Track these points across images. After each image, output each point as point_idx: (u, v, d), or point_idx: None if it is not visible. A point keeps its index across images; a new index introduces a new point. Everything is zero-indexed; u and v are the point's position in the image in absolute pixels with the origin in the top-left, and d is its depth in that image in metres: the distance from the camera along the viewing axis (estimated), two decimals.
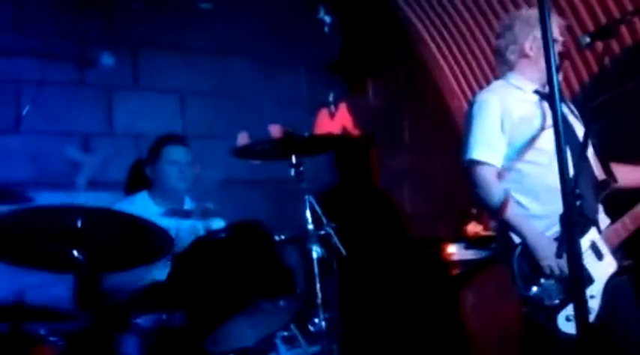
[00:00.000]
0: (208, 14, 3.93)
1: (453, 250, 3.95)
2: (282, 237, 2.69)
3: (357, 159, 4.45)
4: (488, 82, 4.35)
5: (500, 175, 2.62)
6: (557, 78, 2.65)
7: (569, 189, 1.60)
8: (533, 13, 2.62)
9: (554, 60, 1.61)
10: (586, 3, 3.52)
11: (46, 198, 3.37)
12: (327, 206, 2.76)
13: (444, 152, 4.65)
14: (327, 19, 4.30)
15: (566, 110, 2.70)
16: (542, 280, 2.47)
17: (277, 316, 2.54)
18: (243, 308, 2.41)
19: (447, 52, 4.53)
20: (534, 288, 2.47)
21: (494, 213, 2.60)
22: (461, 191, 4.33)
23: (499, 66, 2.80)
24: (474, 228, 4.23)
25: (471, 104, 2.72)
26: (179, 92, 3.99)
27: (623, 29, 3.32)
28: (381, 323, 4.00)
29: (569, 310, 2.41)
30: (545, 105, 2.60)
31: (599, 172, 2.66)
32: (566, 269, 2.39)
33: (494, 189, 2.56)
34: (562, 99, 2.71)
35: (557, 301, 2.45)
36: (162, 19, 3.83)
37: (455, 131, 4.65)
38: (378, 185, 4.55)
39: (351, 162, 4.44)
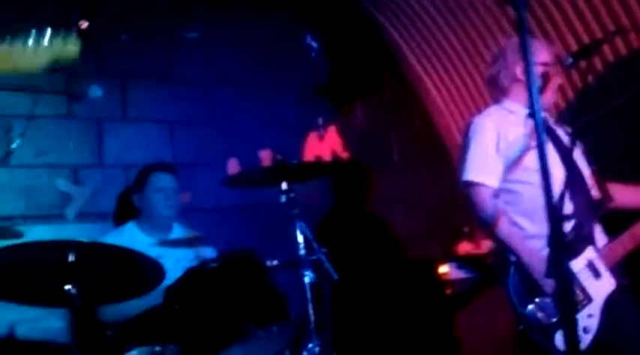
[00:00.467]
0: (195, 44, 3.98)
1: (446, 270, 3.96)
2: (274, 263, 2.70)
3: (352, 182, 4.48)
4: (474, 102, 4.42)
5: (496, 195, 2.66)
6: (551, 99, 2.75)
7: (555, 211, 1.63)
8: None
9: (536, 82, 1.65)
10: (569, 24, 3.59)
11: (36, 231, 3.38)
12: (321, 230, 2.78)
13: (433, 172, 4.70)
14: (314, 44, 4.35)
15: (560, 131, 2.75)
16: (538, 298, 2.48)
17: (271, 343, 2.54)
18: (237, 337, 2.41)
19: (432, 73, 4.59)
20: (530, 306, 2.48)
21: (491, 233, 2.64)
22: (451, 210, 4.38)
23: (494, 92, 2.86)
24: (465, 247, 4.25)
25: (467, 128, 2.78)
26: (168, 122, 4.01)
27: (605, 47, 3.38)
28: (375, 346, 3.99)
29: None
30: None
31: (595, 192, 2.69)
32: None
33: (490, 209, 2.60)
34: (557, 122, 2.78)
35: (554, 319, 2.45)
36: (149, 50, 3.87)
37: (443, 150, 4.70)
38: (371, 208, 4.57)
39: (345, 186, 4.46)
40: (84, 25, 3.63)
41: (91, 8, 3.59)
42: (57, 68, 1.91)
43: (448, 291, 3.94)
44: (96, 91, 3.51)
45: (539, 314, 2.46)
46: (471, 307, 3.85)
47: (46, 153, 3.60)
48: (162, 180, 3.23)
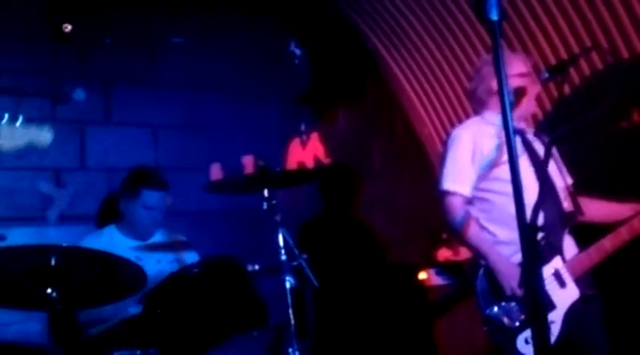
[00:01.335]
0: (179, 49, 3.99)
1: (425, 276, 4.01)
2: (256, 268, 2.73)
3: (339, 187, 4.51)
4: (454, 111, 4.48)
5: (470, 203, 2.78)
6: (529, 109, 2.82)
7: (528, 223, 1.67)
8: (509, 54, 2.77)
9: (508, 95, 1.68)
10: (547, 37, 3.66)
11: (17, 233, 3.39)
12: (304, 235, 2.81)
13: (413, 178, 4.75)
14: (298, 51, 4.39)
15: (537, 143, 2.82)
16: (504, 302, 2.58)
17: (251, 348, 2.57)
18: (218, 342, 2.43)
19: (414, 81, 4.64)
20: (495, 309, 2.58)
21: (461, 238, 2.75)
22: (431, 217, 4.42)
23: (475, 105, 2.98)
24: (444, 253, 4.30)
25: (446, 139, 2.91)
26: (151, 126, 4.02)
27: (582, 61, 3.46)
28: (355, 352, 4.02)
29: (529, 333, 2.50)
30: (516, 139, 2.71)
31: (567, 204, 2.77)
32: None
33: (462, 215, 2.72)
34: (537, 133, 2.86)
35: (517, 323, 2.54)
36: (134, 54, 3.88)
37: (424, 158, 4.76)
38: (356, 214, 4.61)
39: (332, 191, 4.49)
40: (67, 28, 3.65)
41: (76, 12, 3.61)
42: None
43: (428, 298, 3.99)
44: (80, 94, 3.52)
45: (503, 318, 2.56)
46: (451, 314, 3.90)
47: (28, 155, 3.60)
48: (155, 199, 3.16)
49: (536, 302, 1.69)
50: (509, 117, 1.66)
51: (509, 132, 1.66)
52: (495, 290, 2.60)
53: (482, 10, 1.69)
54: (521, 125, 2.87)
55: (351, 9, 4.61)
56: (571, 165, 2.92)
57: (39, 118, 3.63)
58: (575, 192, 2.85)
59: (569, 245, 2.74)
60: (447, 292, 3.98)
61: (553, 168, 2.79)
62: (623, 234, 2.62)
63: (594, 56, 3.40)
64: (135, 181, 3.20)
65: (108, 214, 3.49)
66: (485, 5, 1.69)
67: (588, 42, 3.40)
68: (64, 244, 2.20)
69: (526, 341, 2.53)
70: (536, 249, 1.75)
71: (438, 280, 4.02)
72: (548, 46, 3.66)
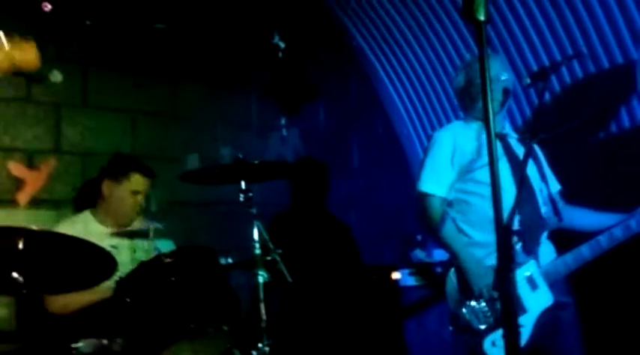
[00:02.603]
0: (161, 36, 3.93)
1: (398, 276, 4.02)
2: (229, 261, 2.70)
3: (310, 182, 4.48)
4: (435, 113, 4.50)
5: (448, 204, 2.79)
6: (499, 112, 2.83)
7: (503, 223, 1.67)
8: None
9: (491, 97, 1.68)
10: (530, 42, 3.69)
11: None
12: (278, 230, 2.78)
13: (390, 178, 4.76)
14: (281, 44, 4.36)
15: (519, 147, 2.82)
16: (473, 302, 2.59)
17: (220, 341, 2.54)
18: (187, 333, 2.40)
19: (397, 82, 4.65)
20: (463, 309, 2.59)
21: (436, 237, 2.76)
22: (407, 217, 4.44)
23: (460, 105, 2.99)
24: (418, 254, 4.31)
25: (428, 140, 2.93)
26: (130, 112, 3.96)
27: (563, 69, 3.50)
28: (324, 348, 4.01)
29: (496, 335, 2.53)
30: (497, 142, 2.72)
31: (546, 209, 2.78)
32: (495, 296, 2.52)
33: (438, 216, 2.74)
34: (520, 139, 2.86)
35: (483, 326, 2.56)
36: (114, 38, 3.81)
37: (402, 158, 4.77)
38: (327, 209, 4.59)
39: (302, 186, 4.46)
40: (47, 7, 3.57)
41: None
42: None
43: (400, 298, 3.99)
44: (56, 76, 3.44)
45: (470, 318, 2.57)
46: (422, 315, 3.91)
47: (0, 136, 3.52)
48: (141, 184, 3.17)
49: (509, 306, 1.69)
50: (491, 119, 1.66)
51: (490, 133, 1.65)
52: (464, 290, 2.62)
53: (469, 10, 1.68)
54: (505, 128, 2.89)
55: (338, 6, 4.60)
56: (555, 170, 2.93)
57: (13, 98, 3.56)
58: (559, 198, 2.86)
59: (547, 250, 2.75)
60: (419, 293, 3.99)
61: (533, 172, 2.79)
62: (602, 242, 2.63)
63: (575, 64, 3.44)
64: (124, 164, 3.20)
65: (84, 201, 3.42)
66: (472, 5, 1.68)
67: (570, 50, 3.43)
68: (34, 227, 2.15)
69: (493, 344, 2.55)
70: (510, 252, 1.74)
71: (410, 281, 4.03)
72: (530, 51, 3.69)
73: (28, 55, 1.86)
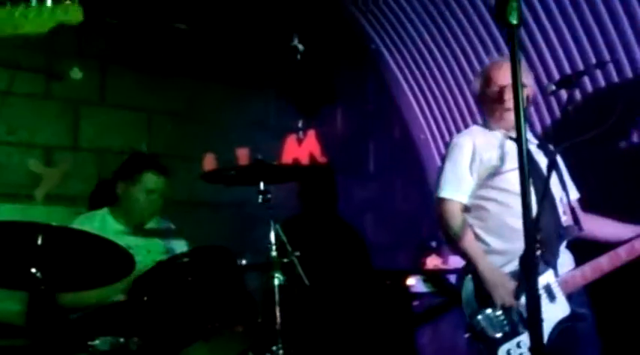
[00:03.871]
0: (181, 36, 3.93)
1: (412, 282, 3.99)
2: (245, 263, 2.68)
3: (323, 187, 4.46)
4: (453, 119, 4.47)
5: (466, 210, 2.76)
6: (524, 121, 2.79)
7: (531, 232, 1.65)
8: (505, 60, 2.72)
9: (523, 104, 1.66)
10: (553, 53, 3.67)
11: (3, 210, 3.32)
12: (291, 233, 2.76)
13: (407, 184, 4.73)
14: (301, 47, 4.35)
15: (540, 155, 2.79)
16: (489, 310, 2.57)
17: (236, 343, 2.52)
18: (203, 333, 2.38)
19: (415, 87, 4.62)
20: (479, 317, 2.57)
21: (455, 245, 2.74)
22: (422, 223, 4.41)
23: (479, 110, 2.98)
24: (433, 261, 4.28)
25: (447, 146, 2.90)
26: (147, 110, 3.96)
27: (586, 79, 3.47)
28: (337, 353, 3.98)
29: (511, 344, 2.52)
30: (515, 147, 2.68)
31: (567, 218, 2.74)
32: (514, 304, 2.49)
33: (456, 222, 2.71)
34: (540, 146, 2.83)
35: (499, 334, 2.54)
36: (134, 36, 3.81)
37: (418, 164, 4.74)
38: (340, 214, 4.57)
39: (316, 191, 4.43)
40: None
41: None
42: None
43: (413, 304, 3.96)
44: (77, 73, 3.46)
45: (486, 326, 2.55)
46: (435, 322, 3.88)
47: (18, 131, 3.53)
48: (156, 183, 3.10)
49: (535, 316, 1.67)
50: (522, 125, 1.64)
51: (521, 140, 1.63)
52: (481, 297, 2.60)
53: (502, 14, 1.66)
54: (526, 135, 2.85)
55: (357, 9, 4.58)
56: (574, 180, 2.90)
57: (31, 94, 3.57)
58: (578, 207, 2.82)
59: (565, 260, 2.72)
60: (432, 300, 3.97)
61: (554, 181, 2.76)
62: (622, 254, 2.60)
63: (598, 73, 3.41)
64: (137, 163, 3.15)
65: (101, 196, 3.42)
66: (505, 9, 1.65)
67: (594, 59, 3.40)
68: (53, 224, 2.14)
69: (508, 353, 2.52)
70: (535, 261, 1.72)
71: (424, 287, 4.00)
72: (552, 60, 3.66)
73: (71, 13, 1.84)
